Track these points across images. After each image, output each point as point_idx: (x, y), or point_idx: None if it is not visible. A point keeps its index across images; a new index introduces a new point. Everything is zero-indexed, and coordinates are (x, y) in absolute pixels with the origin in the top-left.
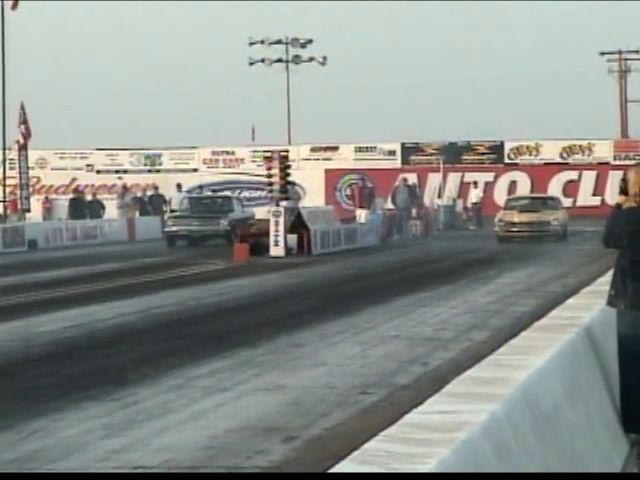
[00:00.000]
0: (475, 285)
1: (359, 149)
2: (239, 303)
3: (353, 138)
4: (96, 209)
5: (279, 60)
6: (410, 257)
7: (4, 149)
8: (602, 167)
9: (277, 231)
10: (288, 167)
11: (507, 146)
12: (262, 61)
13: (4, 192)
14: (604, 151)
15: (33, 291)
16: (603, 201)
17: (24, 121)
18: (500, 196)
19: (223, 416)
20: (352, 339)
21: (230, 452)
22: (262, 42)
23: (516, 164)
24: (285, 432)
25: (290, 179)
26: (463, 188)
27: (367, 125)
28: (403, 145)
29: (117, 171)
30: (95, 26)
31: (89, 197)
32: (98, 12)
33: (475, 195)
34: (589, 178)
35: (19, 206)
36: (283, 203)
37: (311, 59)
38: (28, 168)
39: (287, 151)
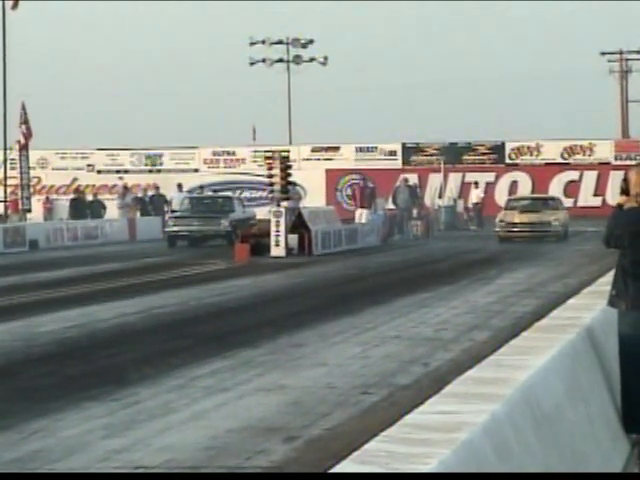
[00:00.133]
0: (476, 285)
1: (360, 149)
2: (240, 303)
3: (354, 138)
4: (97, 209)
5: (280, 60)
6: (411, 257)
7: (5, 149)
8: (603, 167)
9: (278, 231)
10: (289, 167)
11: (508, 146)
12: (263, 61)
13: (5, 192)
14: (605, 151)
15: (34, 291)
16: (604, 201)
17: (25, 121)
18: (501, 196)
19: (224, 416)
20: (353, 339)
21: (231, 452)
22: (263, 42)
23: (517, 164)
24: (286, 432)
25: (291, 179)
26: (464, 188)
27: (368, 125)
28: (404, 145)
29: (118, 171)
30: (95, 26)
31: (90, 197)
32: (98, 12)
33: (476, 195)
34: (590, 178)
35: (20, 206)
36: (284, 203)
37: (312, 59)
38: (29, 168)
39: (288, 151)
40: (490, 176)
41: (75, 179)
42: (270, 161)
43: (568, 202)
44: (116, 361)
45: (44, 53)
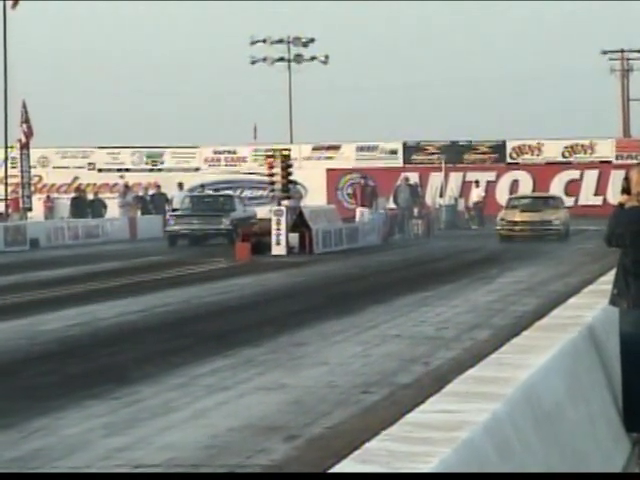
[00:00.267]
0: (477, 284)
1: (361, 148)
2: (241, 302)
3: (355, 137)
4: (98, 208)
5: (281, 59)
6: (412, 256)
7: (6, 148)
8: (604, 166)
9: (279, 230)
10: (290, 166)
11: (509, 145)
12: (264, 60)
13: (6, 191)
14: (606, 150)
15: (35, 290)
16: (605, 200)
17: (26, 120)
18: (502, 195)
19: (225, 415)
20: (354, 338)
21: (232, 451)
22: (264, 41)
23: (518, 163)
24: (287, 431)
25: (292, 178)
26: (465, 187)
27: (369, 124)
28: (405, 144)
29: (119, 170)
30: (95, 26)
31: (91, 196)
32: (98, 12)
33: (477, 194)
34: (591, 177)
35: (21, 205)
36: (285, 202)
37: (313, 58)
38: (30, 167)
39: (289, 150)
40: (491, 175)
41: (76, 178)
42: (271, 160)
43: (569, 201)
44: (117, 360)
45: (45, 52)
